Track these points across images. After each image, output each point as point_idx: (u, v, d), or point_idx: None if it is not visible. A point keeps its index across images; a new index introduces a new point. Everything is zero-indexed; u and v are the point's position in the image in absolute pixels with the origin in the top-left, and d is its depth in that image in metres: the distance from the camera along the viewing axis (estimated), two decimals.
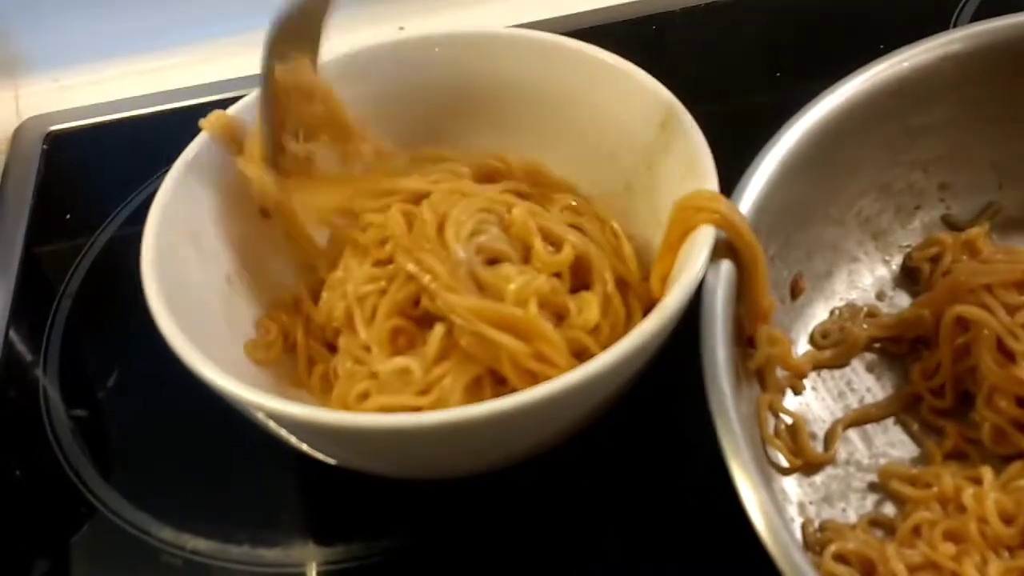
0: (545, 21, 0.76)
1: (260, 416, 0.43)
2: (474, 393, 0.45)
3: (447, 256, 0.46)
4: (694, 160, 0.48)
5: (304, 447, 0.46)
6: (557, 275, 0.48)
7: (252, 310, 0.52)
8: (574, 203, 0.52)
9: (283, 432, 0.44)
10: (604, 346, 0.44)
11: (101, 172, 0.74)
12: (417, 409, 0.44)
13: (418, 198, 0.51)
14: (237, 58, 0.74)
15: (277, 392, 0.48)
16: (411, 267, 0.46)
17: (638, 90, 0.52)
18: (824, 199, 0.54)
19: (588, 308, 0.47)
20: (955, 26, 0.69)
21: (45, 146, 0.75)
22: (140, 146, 0.73)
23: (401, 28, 0.73)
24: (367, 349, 0.48)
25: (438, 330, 0.46)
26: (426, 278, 0.46)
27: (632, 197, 0.54)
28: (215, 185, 0.52)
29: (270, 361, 0.51)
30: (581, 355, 0.46)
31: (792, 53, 0.73)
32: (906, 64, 0.53)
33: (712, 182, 0.47)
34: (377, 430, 0.41)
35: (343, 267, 0.51)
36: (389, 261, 0.49)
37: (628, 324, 0.48)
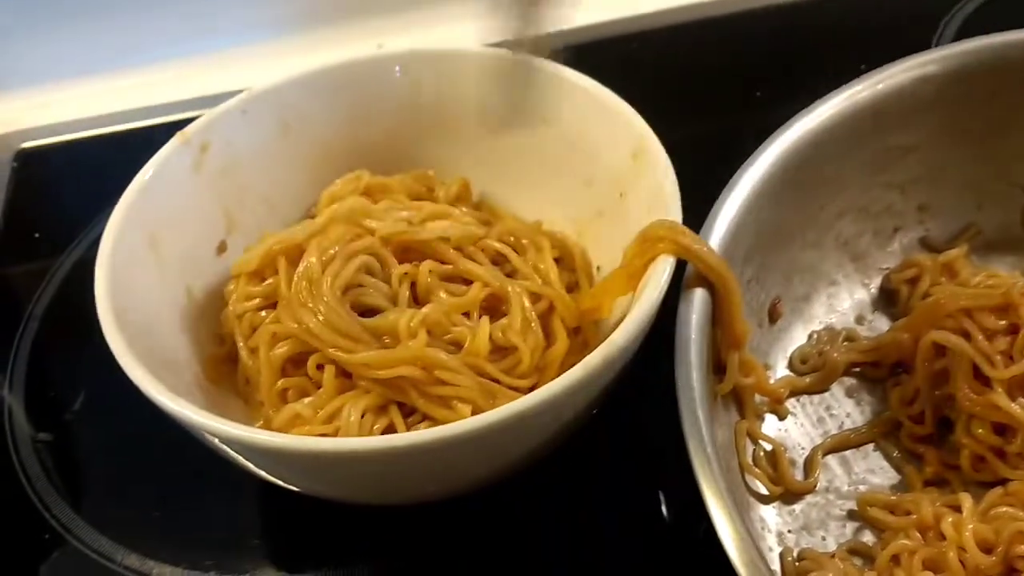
0: None
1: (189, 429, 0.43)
2: (378, 416, 0.45)
3: (330, 307, 0.45)
4: (660, 191, 0.47)
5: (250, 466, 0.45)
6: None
7: (212, 324, 0.51)
8: (513, 225, 0.52)
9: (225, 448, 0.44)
10: (526, 370, 0.46)
11: (71, 191, 0.73)
12: (324, 435, 0.44)
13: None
14: (209, 76, 0.74)
15: (227, 409, 0.47)
16: (292, 327, 0.46)
17: (612, 116, 0.51)
18: (801, 222, 0.53)
19: (477, 337, 0.46)
20: (936, 46, 0.69)
21: (15, 164, 0.74)
22: (111, 164, 0.70)
23: (380, 45, 0.72)
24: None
25: (328, 371, 0.46)
26: (311, 339, 0.45)
27: (604, 224, 0.53)
28: (179, 194, 0.52)
29: (227, 377, 0.50)
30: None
31: (775, 73, 0.72)
32: (882, 85, 0.52)
33: (675, 214, 0.46)
34: (291, 452, 0.40)
35: (235, 298, 0.50)
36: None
37: (550, 347, 0.48)
